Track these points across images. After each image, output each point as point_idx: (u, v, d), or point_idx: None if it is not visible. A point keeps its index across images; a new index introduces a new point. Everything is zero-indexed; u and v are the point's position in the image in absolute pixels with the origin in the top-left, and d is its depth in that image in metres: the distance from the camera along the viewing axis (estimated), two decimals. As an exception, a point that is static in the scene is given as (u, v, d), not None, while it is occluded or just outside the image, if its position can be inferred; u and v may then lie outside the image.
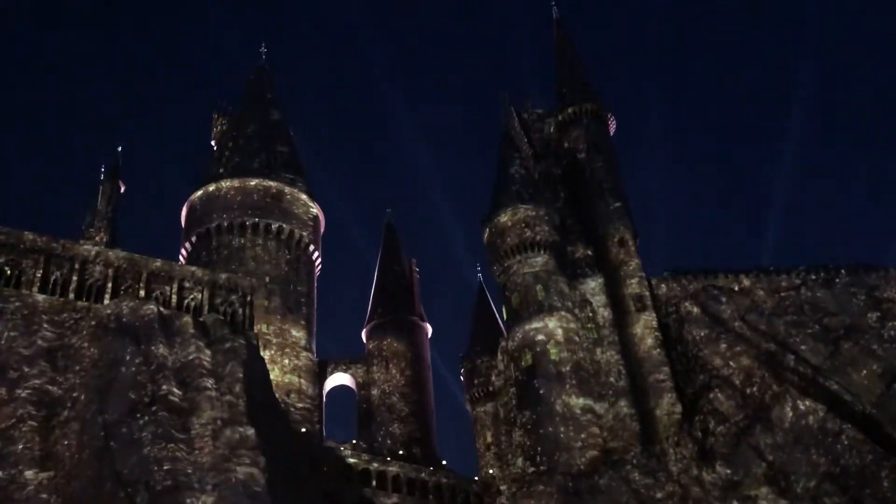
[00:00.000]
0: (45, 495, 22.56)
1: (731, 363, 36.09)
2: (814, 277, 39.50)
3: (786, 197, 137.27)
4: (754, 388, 34.67)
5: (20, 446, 23.70)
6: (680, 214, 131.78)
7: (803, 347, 35.52)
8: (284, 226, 45.28)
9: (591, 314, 39.30)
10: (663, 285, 40.28)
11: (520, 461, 35.66)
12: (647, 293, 39.47)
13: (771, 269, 40.79)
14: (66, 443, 24.10)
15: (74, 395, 25.64)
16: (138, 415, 24.15)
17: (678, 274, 40.96)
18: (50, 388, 25.72)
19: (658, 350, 37.54)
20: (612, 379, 37.32)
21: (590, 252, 41.48)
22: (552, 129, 48.37)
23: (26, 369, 25.87)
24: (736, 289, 39.50)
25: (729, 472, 32.27)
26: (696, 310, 38.61)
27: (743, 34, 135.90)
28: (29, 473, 23.07)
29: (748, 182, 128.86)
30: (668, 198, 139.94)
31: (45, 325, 27.69)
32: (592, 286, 40.08)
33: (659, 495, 32.09)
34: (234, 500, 22.06)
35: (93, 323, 28.32)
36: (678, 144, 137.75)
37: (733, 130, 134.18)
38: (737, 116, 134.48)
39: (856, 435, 31.46)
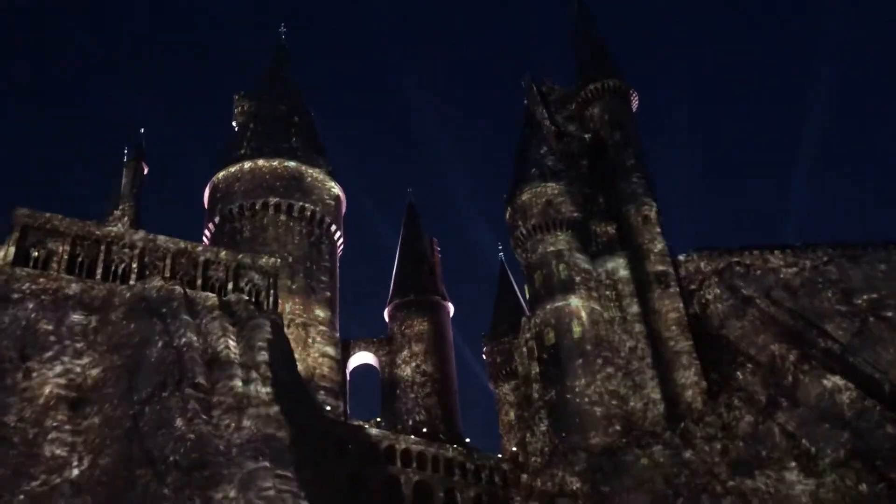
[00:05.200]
0: (75, 473, 22.88)
1: (757, 340, 35.84)
2: (840, 254, 39.00)
3: (811, 172, 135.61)
4: (780, 366, 34.41)
5: (51, 424, 24.04)
6: (704, 191, 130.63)
7: (830, 324, 35.20)
8: (306, 206, 45.45)
9: (614, 292, 39.12)
10: (687, 263, 40.00)
11: (543, 439, 35.74)
12: (671, 271, 39.17)
13: (797, 245, 40.34)
14: (96, 421, 24.43)
15: (103, 374, 25.95)
16: (166, 394, 24.42)
17: (702, 251, 40.63)
18: (79, 368, 26.05)
19: (682, 328, 37.29)
20: (635, 356, 37.21)
21: (613, 229, 41.22)
22: (574, 107, 47.90)
23: (55, 350, 26.20)
24: (761, 266, 39.11)
25: (755, 449, 32.14)
26: (720, 287, 38.32)
27: (765, 7, 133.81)
28: (60, 451, 23.39)
29: (773, 158, 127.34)
30: (692, 174, 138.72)
31: (73, 307, 28.02)
32: (616, 264, 39.87)
33: (684, 472, 32.05)
34: (261, 476, 22.27)
35: (119, 304, 28.62)
36: (701, 119, 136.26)
37: (757, 105, 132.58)
38: (760, 90, 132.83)
39: (884, 412, 31.15)
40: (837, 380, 32.55)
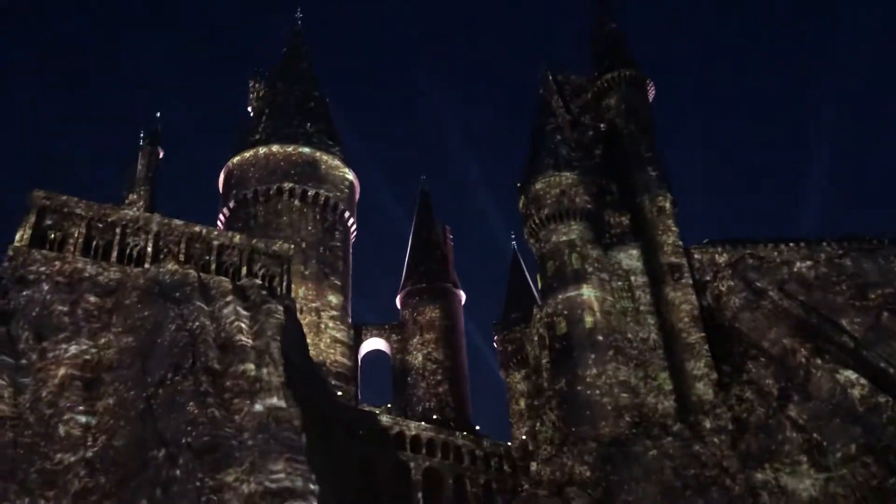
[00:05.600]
0: (90, 453, 23.12)
1: (769, 333, 35.70)
2: (856, 248, 38.73)
3: (828, 165, 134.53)
4: (792, 359, 34.26)
5: (66, 405, 24.28)
6: (719, 182, 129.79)
7: (844, 319, 34.99)
8: (320, 192, 45.56)
9: (626, 282, 39.03)
10: (701, 254, 39.84)
11: (552, 427, 35.81)
12: (685, 262, 39.04)
13: (811, 238, 40.08)
14: (110, 402, 24.66)
15: (118, 356, 26.16)
16: (179, 377, 24.56)
17: (716, 243, 40.46)
18: (94, 349, 26.26)
19: (694, 320, 37.18)
20: (647, 348, 37.14)
21: (626, 220, 41.08)
22: (589, 96, 47.68)
23: (71, 331, 26.41)
24: (775, 259, 38.92)
25: (765, 442, 32.08)
26: (734, 280, 38.16)
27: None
28: (74, 431, 23.63)
29: (789, 149, 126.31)
30: (708, 164, 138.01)
31: (88, 289, 28.22)
32: (628, 254, 39.75)
33: (693, 464, 32.04)
34: (272, 459, 22.42)
35: (134, 287, 28.80)
36: (717, 109, 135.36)
37: (774, 95, 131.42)
38: (778, 80, 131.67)
39: (897, 408, 30.96)
40: (850, 374, 32.37)
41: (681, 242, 39.89)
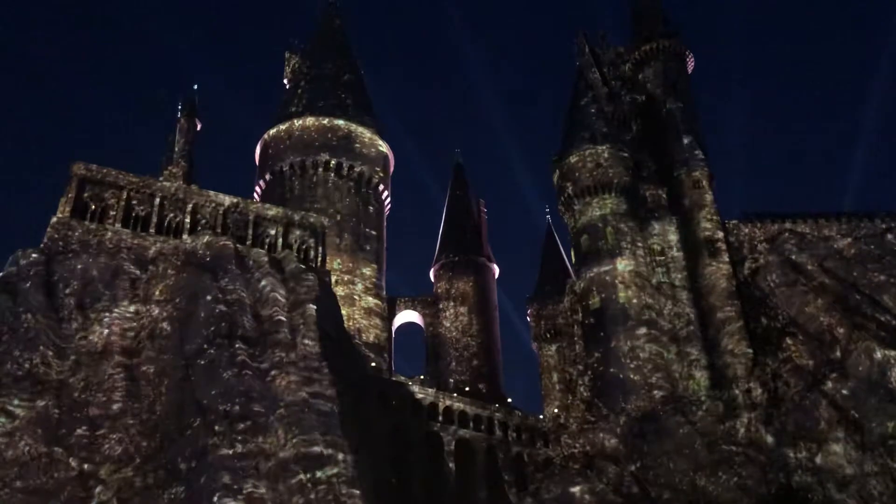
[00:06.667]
0: (130, 420, 23.74)
1: (807, 310, 35.19)
2: (899, 223, 37.94)
3: (871, 138, 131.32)
4: (830, 336, 33.79)
5: (107, 373, 24.90)
6: (759, 155, 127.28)
7: (885, 295, 34.37)
8: (355, 165, 45.69)
9: (662, 257, 38.71)
10: (739, 229, 39.31)
11: (584, 401, 35.85)
12: (722, 237, 38.55)
13: (853, 213, 39.31)
14: (149, 370, 25.23)
15: (156, 326, 26.69)
16: (216, 347, 25.05)
17: (754, 217, 39.85)
18: (134, 319, 26.83)
19: (730, 295, 36.77)
20: (681, 322, 36.89)
21: (663, 193, 40.63)
22: (627, 67, 47.00)
23: (111, 301, 26.99)
24: (815, 234, 38.26)
25: (800, 419, 31.78)
26: (771, 255, 37.62)
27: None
28: (115, 398, 24.25)
29: (831, 122, 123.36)
30: (747, 137, 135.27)
31: (128, 259, 28.77)
32: (664, 228, 39.39)
33: (726, 440, 31.89)
34: (307, 429, 22.81)
35: (173, 257, 29.29)
36: (758, 81, 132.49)
37: (817, 67, 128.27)
38: (821, 52, 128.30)
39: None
40: (889, 352, 31.85)
41: (718, 217, 39.37)
